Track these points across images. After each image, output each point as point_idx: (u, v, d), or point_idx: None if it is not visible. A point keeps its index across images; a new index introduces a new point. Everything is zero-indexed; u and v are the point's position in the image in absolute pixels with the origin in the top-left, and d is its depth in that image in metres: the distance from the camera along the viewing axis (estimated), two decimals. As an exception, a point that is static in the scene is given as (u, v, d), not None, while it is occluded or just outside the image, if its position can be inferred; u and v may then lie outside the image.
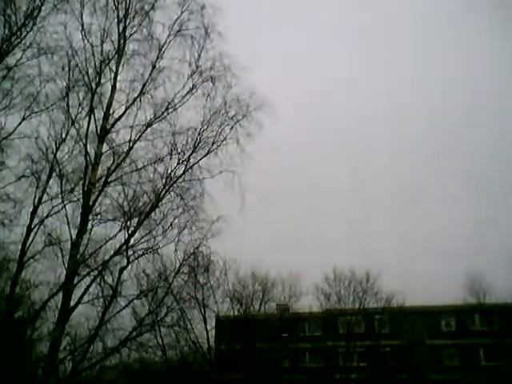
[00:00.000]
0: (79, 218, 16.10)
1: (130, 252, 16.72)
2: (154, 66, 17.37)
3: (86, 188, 16.27)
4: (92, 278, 16.21)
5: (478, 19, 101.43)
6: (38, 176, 17.08)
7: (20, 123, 16.28)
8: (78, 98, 16.93)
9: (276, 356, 45.63)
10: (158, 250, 17.30)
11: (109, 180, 16.69)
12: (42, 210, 17.15)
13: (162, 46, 17.49)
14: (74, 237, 15.87)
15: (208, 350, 40.89)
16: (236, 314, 43.86)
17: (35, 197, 17.12)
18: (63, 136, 17.13)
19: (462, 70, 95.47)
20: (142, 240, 17.10)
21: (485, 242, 54.87)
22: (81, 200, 16.40)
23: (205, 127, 17.72)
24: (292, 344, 47.43)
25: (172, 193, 17.45)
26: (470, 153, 79.15)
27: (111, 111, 16.88)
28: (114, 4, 17.13)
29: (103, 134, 16.64)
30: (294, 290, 46.30)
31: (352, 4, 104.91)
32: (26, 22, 15.67)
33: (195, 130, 17.61)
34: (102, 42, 16.91)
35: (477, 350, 48.80)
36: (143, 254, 17.08)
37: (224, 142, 17.76)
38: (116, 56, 17.02)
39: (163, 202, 17.34)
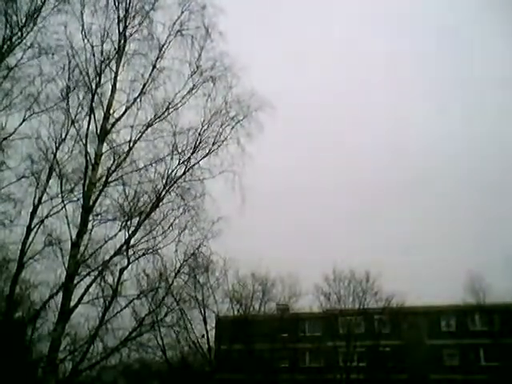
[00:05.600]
0: (79, 218, 16.07)
1: (130, 252, 16.71)
2: (154, 66, 17.32)
3: (86, 188, 16.23)
4: (92, 278, 16.20)
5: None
6: (38, 176, 17.09)
7: (21, 123, 16.31)
8: (78, 98, 16.90)
9: (276, 356, 45.65)
10: (159, 251, 17.31)
11: (109, 180, 16.64)
12: (41, 210, 17.19)
13: (163, 46, 17.43)
14: (74, 237, 15.82)
15: (208, 350, 40.89)
16: (236, 314, 43.82)
17: (35, 197, 17.14)
18: (63, 136, 17.13)
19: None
20: (143, 240, 17.09)
21: (485, 242, 54.89)
22: (81, 200, 16.37)
23: (205, 127, 17.72)
24: (292, 344, 47.40)
25: (172, 193, 17.44)
26: (470, 152, 79.20)
27: (111, 111, 16.82)
28: (115, 4, 17.07)
29: (103, 134, 16.59)
30: (294, 289, 46.32)
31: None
32: (27, 23, 15.68)
33: (196, 130, 17.60)
34: (103, 42, 16.85)
35: (477, 350, 48.87)
36: (143, 254, 17.06)
37: (224, 142, 17.75)
38: (116, 56, 16.96)
39: (164, 202, 17.33)
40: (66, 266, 15.84)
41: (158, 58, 17.37)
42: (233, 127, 17.78)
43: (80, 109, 16.90)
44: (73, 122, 16.85)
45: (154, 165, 17.30)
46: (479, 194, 68.99)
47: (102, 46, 16.85)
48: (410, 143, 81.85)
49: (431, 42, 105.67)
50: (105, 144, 16.70)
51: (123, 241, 16.58)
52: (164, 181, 17.24)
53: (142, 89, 17.18)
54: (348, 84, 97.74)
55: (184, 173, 17.47)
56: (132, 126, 17.03)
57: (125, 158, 16.93)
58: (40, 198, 17.21)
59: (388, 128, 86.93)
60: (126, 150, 16.96)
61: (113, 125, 16.91)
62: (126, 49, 17.21)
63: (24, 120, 16.35)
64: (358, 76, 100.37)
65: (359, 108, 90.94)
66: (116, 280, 16.54)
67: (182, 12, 17.48)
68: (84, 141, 16.50)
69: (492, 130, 77.32)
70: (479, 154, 78.46)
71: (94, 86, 16.72)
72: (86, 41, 16.68)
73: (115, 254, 16.47)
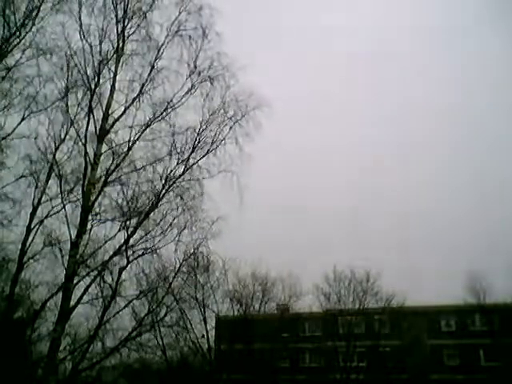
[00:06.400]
0: (79, 219, 16.11)
1: (129, 252, 16.71)
2: (152, 66, 17.39)
3: (85, 188, 16.28)
4: (91, 278, 16.22)
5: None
6: (37, 176, 17.08)
7: (19, 123, 16.30)
8: (77, 99, 16.99)
9: (276, 356, 45.66)
10: (158, 250, 17.32)
11: (108, 180, 16.68)
12: (41, 211, 17.17)
13: (161, 47, 17.53)
14: (73, 237, 15.89)
15: (208, 350, 40.89)
16: (236, 314, 43.81)
17: (34, 197, 17.12)
18: (62, 136, 17.16)
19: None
20: (142, 240, 17.10)
21: (485, 242, 54.88)
22: (80, 200, 16.41)
23: (204, 127, 17.76)
24: (292, 344, 47.47)
25: (171, 193, 17.46)
26: (470, 152, 79.18)
27: (110, 111, 16.89)
28: (113, 4, 17.19)
29: (102, 134, 16.65)
30: (294, 289, 46.24)
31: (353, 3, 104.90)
32: (25, 23, 15.68)
33: (194, 130, 17.65)
34: (101, 43, 16.96)
35: (477, 350, 48.89)
36: (143, 254, 17.07)
37: (223, 142, 17.80)
38: (115, 56, 17.05)
39: (162, 202, 17.35)
40: (66, 266, 15.88)
41: (156, 59, 17.48)
42: (231, 127, 17.84)
43: (79, 109, 17.00)
44: (72, 122, 16.92)
45: (152, 165, 17.35)
46: (479, 194, 69.10)
47: (101, 46, 16.98)
48: (410, 142, 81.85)
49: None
50: (104, 144, 16.74)
51: (122, 241, 16.60)
52: (163, 181, 17.28)
53: (141, 89, 17.25)
54: (347, 84, 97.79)
55: (183, 173, 17.50)
56: (131, 126, 17.12)
57: (124, 158, 16.97)
58: (39, 199, 17.20)
59: (388, 123, 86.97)
60: (124, 150, 17.03)
61: (112, 125, 16.97)
62: (125, 49, 17.29)
63: (23, 120, 16.35)
64: (357, 76, 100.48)
65: (359, 107, 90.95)
66: (115, 280, 16.56)
67: (180, 13, 17.61)
68: (83, 141, 16.57)
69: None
70: (479, 153, 78.45)
71: (92, 86, 16.81)
72: (84, 41, 16.83)
73: (114, 254, 16.48)
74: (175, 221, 17.53)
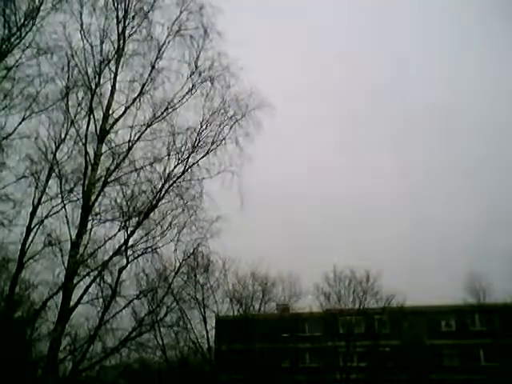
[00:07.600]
0: (79, 218, 16.11)
1: (129, 252, 16.74)
2: (153, 67, 17.38)
3: (85, 188, 16.28)
4: (91, 278, 16.22)
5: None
6: (38, 176, 17.05)
7: (20, 123, 16.27)
8: (77, 99, 16.98)
9: (276, 356, 45.64)
10: (158, 250, 17.32)
11: (108, 180, 16.69)
12: (41, 211, 17.16)
13: (162, 47, 17.52)
14: (73, 237, 15.90)
15: (208, 349, 40.88)
16: (236, 314, 43.83)
17: (35, 197, 17.10)
18: (63, 136, 17.14)
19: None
20: (142, 240, 17.11)
21: (485, 242, 54.89)
22: (80, 200, 16.42)
23: (204, 127, 17.77)
24: (292, 344, 47.39)
25: (171, 193, 17.46)
26: (470, 152, 79.14)
27: (111, 111, 16.90)
28: (114, 4, 17.17)
29: (103, 135, 16.65)
30: (294, 289, 46.27)
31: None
32: (26, 22, 15.63)
33: (194, 130, 17.66)
34: (102, 43, 16.95)
35: (477, 350, 48.95)
36: (142, 253, 17.09)
37: (223, 142, 17.79)
38: (116, 56, 17.04)
39: (162, 201, 17.34)
40: (66, 265, 15.88)
41: (156, 58, 17.47)
42: (231, 127, 17.84)
43: (79, 109, 16.99)
44: (72, 122, 16.91)
45: (152, 165, 17.36)
46: (480, 194, 69.14)
47: (102, 46, 16.97)
48: (410, 142, 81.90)
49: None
50: (104, 144, 16.74)
51: (122, 241, 16.61)
52: (163, 181, 17.28)
53: (141, 89, 17.24)
54: (348, 85, 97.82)
55: (183, 173, 17.49)
56: (131, 127, 17.12)
57: (124, 158, 16.98)
58: (40, 199, 17.18)
59: (389, 127, 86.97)
60: (125, 150, 17.02)
61: (112, 125, 16.97)
62: (126, 49, 17.29)
63: (23, 120, 16.29)
64: (358, 76, 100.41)
65: (360, 108, 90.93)
66: (115, 280, 16.55)
67: (181, 12, 17.59)
68: (83, 141, 16.57)
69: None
70: (480, 152, 78.41)
71: (93, 86, 16.80)
72: (85, 41, 16.83)
73: (114, 254, 16.49)
74: (175, 220, 17.55)
